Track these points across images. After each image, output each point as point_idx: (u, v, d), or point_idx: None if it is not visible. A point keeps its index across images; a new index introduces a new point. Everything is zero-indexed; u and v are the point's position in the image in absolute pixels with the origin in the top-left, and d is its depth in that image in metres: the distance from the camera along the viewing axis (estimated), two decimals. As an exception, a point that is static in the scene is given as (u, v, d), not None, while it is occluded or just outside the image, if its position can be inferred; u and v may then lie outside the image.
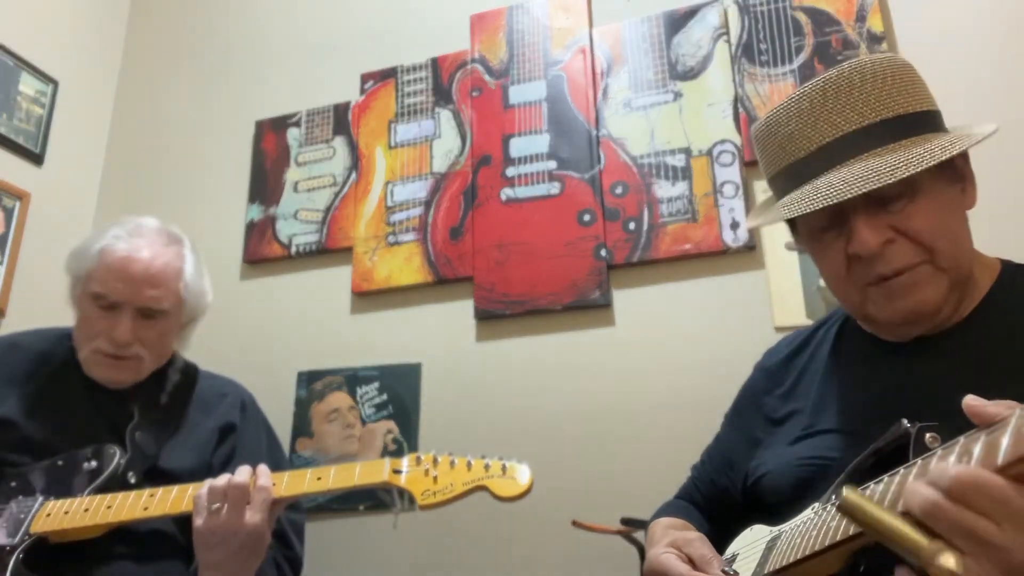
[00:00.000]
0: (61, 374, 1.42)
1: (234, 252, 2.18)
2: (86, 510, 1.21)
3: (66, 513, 1.21)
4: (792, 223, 0.97)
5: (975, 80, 1.65)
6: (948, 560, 0.52)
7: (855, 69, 0.86)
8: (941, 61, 1.68)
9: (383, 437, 1.88)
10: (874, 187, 0.79)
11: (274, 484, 1.19)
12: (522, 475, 1.14)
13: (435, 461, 1.17)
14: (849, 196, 0.80)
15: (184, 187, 2.33)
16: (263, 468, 1.21)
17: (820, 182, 0.84)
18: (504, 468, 1.15)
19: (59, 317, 1.52)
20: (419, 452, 1.20)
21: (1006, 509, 0.52)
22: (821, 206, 0.82)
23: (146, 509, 1.20)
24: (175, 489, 1.22)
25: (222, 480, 1.17)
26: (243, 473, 1.18)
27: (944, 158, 0.79)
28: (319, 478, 1.19)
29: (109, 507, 1.21)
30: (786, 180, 0.90)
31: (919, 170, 0.78)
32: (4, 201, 2.06)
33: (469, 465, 1.16)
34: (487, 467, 1.15)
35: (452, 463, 1.17)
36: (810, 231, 0.92)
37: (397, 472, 1.17)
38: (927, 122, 0.86)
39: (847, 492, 0.57)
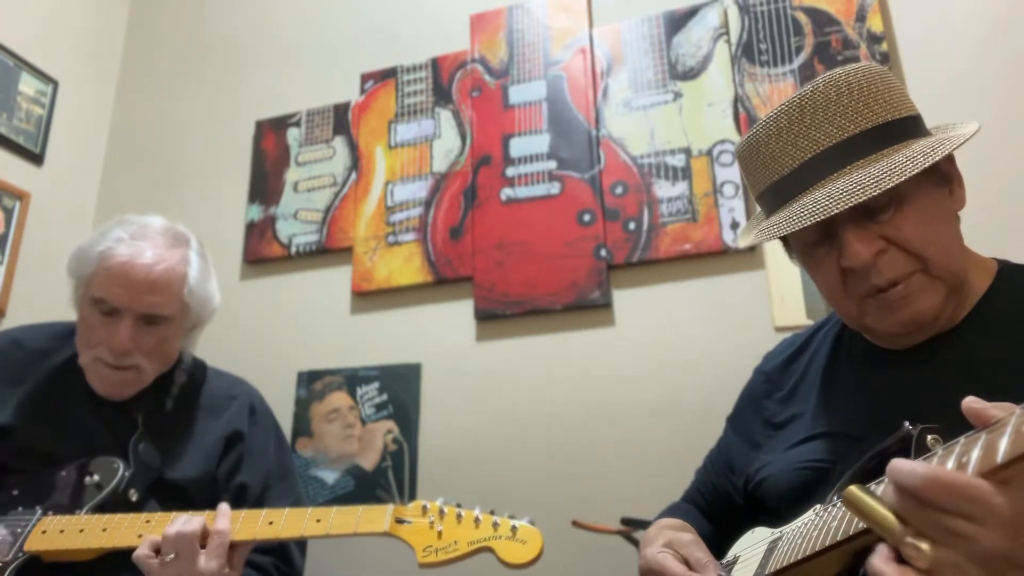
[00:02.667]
0: (64, 376, 1.39)
1: (234, 252, 2.18)
2: (81, 531, 1.19)
3: (61, 532, 1.20)
4: (785, 240, 0.97)
5: (975, 79, 1.65)
6: (918, 542, 0.57)
7: (830, 83, 0.86)
8: (941, 61, 1.68)
9: (383, 437, 1.88)
10: (858, 201, 0.79)
11: (271, 523, 1.15)
12: (531, 544, 1.07)
13: (441, 513, 1.12)
14: (834, 212, 0.80)
15: (184, 187, 2.33)
16: (223, 508, 1.18)
17: (806, 200, 0.84)
18: (514, 529, 1.08)
19: (59, 318, 1.52)
20: (424, 501, 1.12)
21: (974, 507, 0.55)
22: (807, 224, 0.82)
23: (140, 536, 1.18)
24: (172, 517, 1.20)
25: (172, 528, 1.13)
26: (194, 521, 1.15)
27: (926, 164, 0.79)
28: (318, 520, 1.16)
29: (104, 530, 1.20)
30: (772, 198, 0.91)
31: (902, 179, 0.78)
32: (4, 201, 2.06)
33: (477, 521, 1.10)
34: (495, 525, 1.09)
35: (459, 516, 1.11)
36: (802, 248, 0.93)
37: (400, 522, 1.12)
38: (907, 128, 0.86)
39: (852, 486, 0.62)
